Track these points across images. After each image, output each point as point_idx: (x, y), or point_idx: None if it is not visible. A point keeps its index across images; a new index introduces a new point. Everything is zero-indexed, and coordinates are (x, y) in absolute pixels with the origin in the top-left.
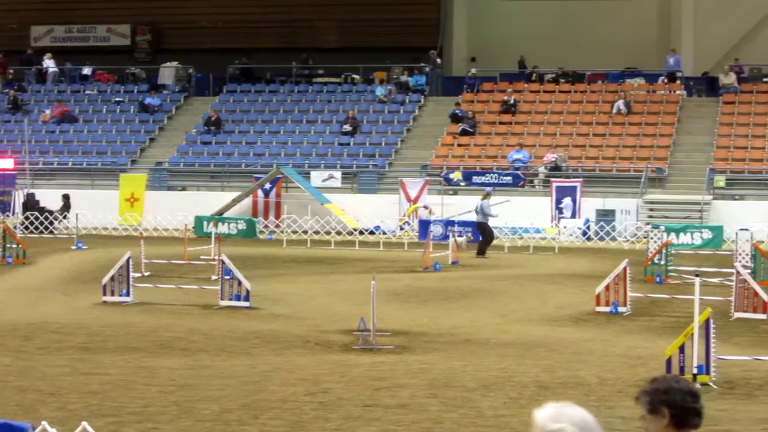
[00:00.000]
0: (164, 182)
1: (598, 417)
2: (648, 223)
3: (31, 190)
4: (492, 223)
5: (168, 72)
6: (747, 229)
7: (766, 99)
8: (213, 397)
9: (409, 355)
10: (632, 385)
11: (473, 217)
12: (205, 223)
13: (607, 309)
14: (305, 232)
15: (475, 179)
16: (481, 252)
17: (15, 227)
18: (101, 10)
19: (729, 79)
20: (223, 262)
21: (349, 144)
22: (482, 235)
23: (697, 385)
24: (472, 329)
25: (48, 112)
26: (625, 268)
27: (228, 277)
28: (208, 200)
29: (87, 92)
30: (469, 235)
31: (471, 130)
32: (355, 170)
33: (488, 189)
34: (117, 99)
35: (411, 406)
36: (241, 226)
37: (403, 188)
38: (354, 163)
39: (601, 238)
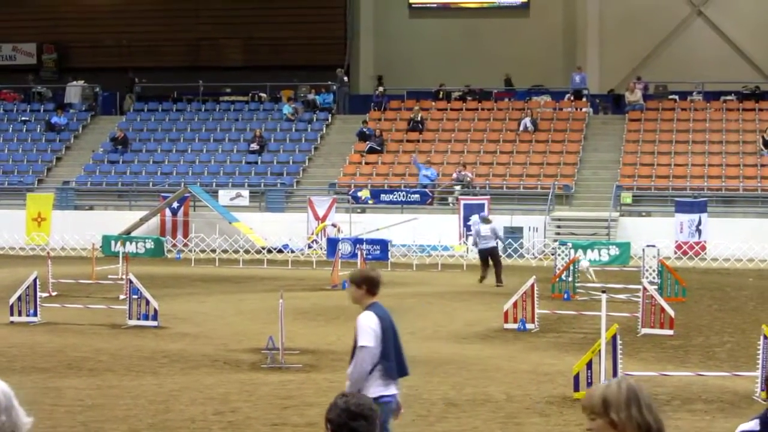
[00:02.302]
0: (71, 201)
1: None
2: (555, 240)
3: None
4: (400, 240)
5: (74, 90)
6: (654, 245)
7: (671, 116)
8: (121, 417)
9: (317, 373)
10: (540, 402)
11: (482, 244)
12: (112, 242)
13: (514, 326)
14: (213, 250)
15: (383, 197)
16: (500, 279)
17: None
18: (7, 28)
19: (635, 96)
20: (131, 282)
21: (256, 162)
22: (496, 260)
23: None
24: None
25: None
26: (532, 285)
27: (136, 296)
28: (116, 219)
29: None
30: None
31: (378, 148)
32: (263, 189)
33: (483, 214)
34: (23, 118)
35: (320, 424)
36: (149, 245)
37: (311, 206)
38: (262, 181)
39: (509, 255)
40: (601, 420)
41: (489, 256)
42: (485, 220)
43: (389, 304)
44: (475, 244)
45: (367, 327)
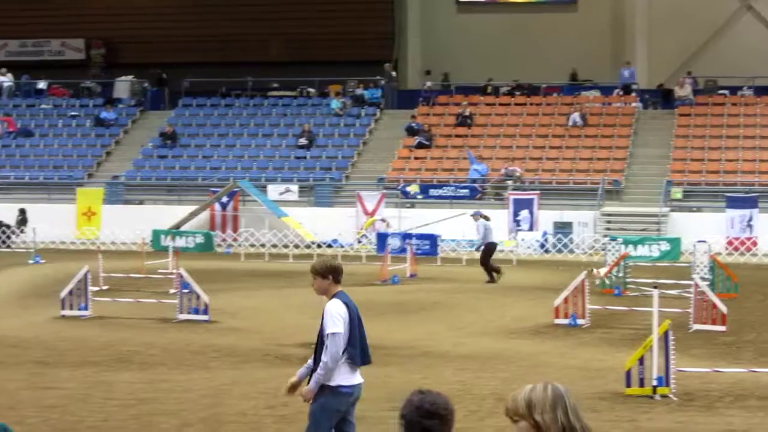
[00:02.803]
0: (120, 196)
1: None
2: (605, 236)
3: None
4: (449, 235)
5: (123, 86)
6: (704, 241)
7: (721, 111)
8: (172, 411)
9: (366, 367)
10: (591, 398)
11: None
12: (162, 236)
13: (565, 321)
14: (263, 245)
15: (432, 192)
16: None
17: None
18: (55, 24)
19: (684, 91)
20: (181, 276)
21: (305, 157)
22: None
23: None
24: (430, 342)
25: None
26: (583, 281)
27: (186, 290)
28: (165, 214)
29: (42, 106)
30: None
31: (427, 143)
32: (312, 183)
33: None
34: (72, 113)
35: (370, 419)
36: (199, 239)
37: (359, 201)
38: (310, 176)
39: (559, 251)
40: (524, 422)
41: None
42: (486, 218)
43: (438, 298)
44: (481, 244)
45: (336, 314)
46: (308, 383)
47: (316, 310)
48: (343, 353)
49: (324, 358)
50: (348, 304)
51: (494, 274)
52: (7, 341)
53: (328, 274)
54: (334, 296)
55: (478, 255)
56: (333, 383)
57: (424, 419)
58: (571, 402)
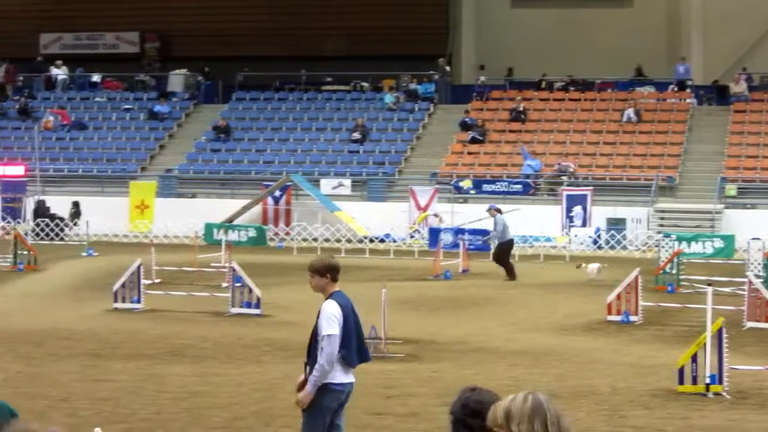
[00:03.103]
0: (173, 189)
1: (609, 426)
2: (659, 232)
3: (42, 197)
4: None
5: (177, 79)
6: (759, 239)
7: None
8: (224, 405)
9: (419, 363)
10: (644, 395)
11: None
12: (215, 230)
13: (618, 318)
14: (315, 239)
15: (485, 187)
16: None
17: (26, 234)
18: (110, 17)
19: (739, 87)
20: (234, 270)
21: (358, 152)
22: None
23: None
24: (483, 337)
25: (51, 119)
26: (636, 277)
27: (238, 284)
28: (218, 208)
29: (96, 100)
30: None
31: (480, 138)
32: (365, 178)
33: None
34: (126, 106)
35: (422, 414)
36: (251, 233)
37: (412, 196)
38: (363, 170)
39: (612, 247)
40: None
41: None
42: (500, 211)
43: (490, 294)
44: (496, 237)
45: (332, 315)
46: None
47: (369, 304)
48: (338, 354)
49: (320, 360)
50: (343, 305)
51: (514, 271)
52: (61, 333)
53: (326, 272)
54: (330, 296)
55: (492, 247)
56: (325, 380)
57: (468, 417)
58: (552, 413)
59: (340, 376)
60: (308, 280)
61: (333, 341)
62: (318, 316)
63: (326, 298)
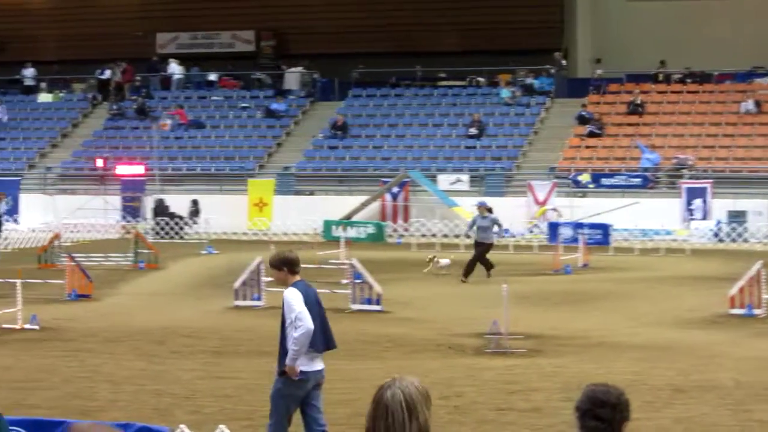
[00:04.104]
0: (292, 187)
1: (735, 420)
2: None
3: (161, 196)
4: (621, 224)
5: (293, 77)
6: None
7: None
8: (345, 401)
9: (541, 358)
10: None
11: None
12: (333, 227)
13: (741, 311)
14: (434, 235)
15: (604, 181)
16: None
17: (146, 233)
18: (226, 16)
19: None
20: (354, 266)
21: (475, 147)
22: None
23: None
24: (604, 332)
25: (169, 121)
26: (759, 270)
27: (358, 281)
28: (336, 204)
29: (213, 98)
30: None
31: (598, 131)
32: (482, 173)
33: (484, 201)
34: (243, 105)
35: (545, 409)
36: (370, 230)
37: (531, 191)
38: (481, 166)
39: (733, 240)
40: None
41: (486, 251)
42: (487, 209)
43: (610, 289)
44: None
45: (291, 299)
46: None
47: (490, 300)
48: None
49: (295, 334)
50: (305, 292)
51: (491, 270)
52: (183, 331)
53: (282, 266)
54: (291, 285)
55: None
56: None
57: (596, 407)
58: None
59: (304, 364)
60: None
61: (303, 316)
62: (282, 307)
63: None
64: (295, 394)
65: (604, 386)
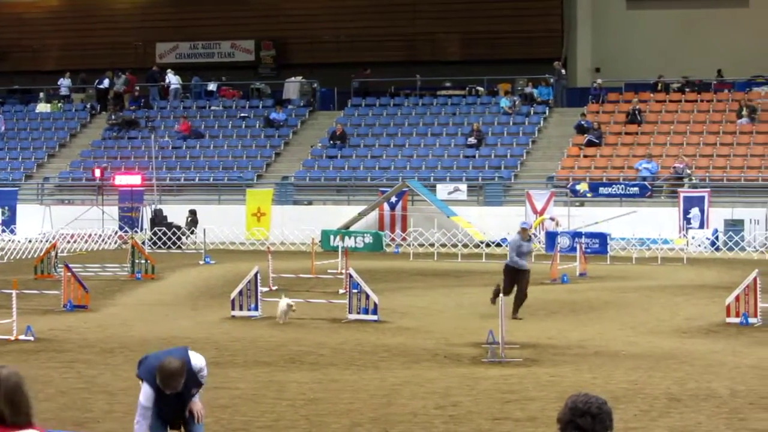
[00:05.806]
0: (290, 196)
1: (730, 429)
2: None
3: (159, 206)
4: (619, 233)
5: (292, 87)
6: None
7: None
8: (343, 411)
9: (538, 367)
10: (764, 397)
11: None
12: (331, 236)
13: (737, 320)
14: (432, 245)
15: (602, 190)
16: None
17: (143, 243)
18: (225, 26)
19: None
20: (351, 276)
21: (474, 156)
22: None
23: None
24: (601, 341)
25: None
26: (755, 279)
27: (356, 290)
28: (335, 214)
29: (212, 108)
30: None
31: (597, 141)
32: (481, 182)
33: (527, 222)
34: (242, 114)
35: (541, 419)
36: (368, 239)
37: (529, 200)
38: (479, 175)
39: (730, 249)
40: None
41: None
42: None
43: (608, 298)
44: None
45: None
46: None
47: (487, 309)
48: None
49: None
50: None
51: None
52: (180, 341)
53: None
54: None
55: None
56: None
57: (577, 417)
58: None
59: None
60: None
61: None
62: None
63: None
64: None
65: (585, 396)
